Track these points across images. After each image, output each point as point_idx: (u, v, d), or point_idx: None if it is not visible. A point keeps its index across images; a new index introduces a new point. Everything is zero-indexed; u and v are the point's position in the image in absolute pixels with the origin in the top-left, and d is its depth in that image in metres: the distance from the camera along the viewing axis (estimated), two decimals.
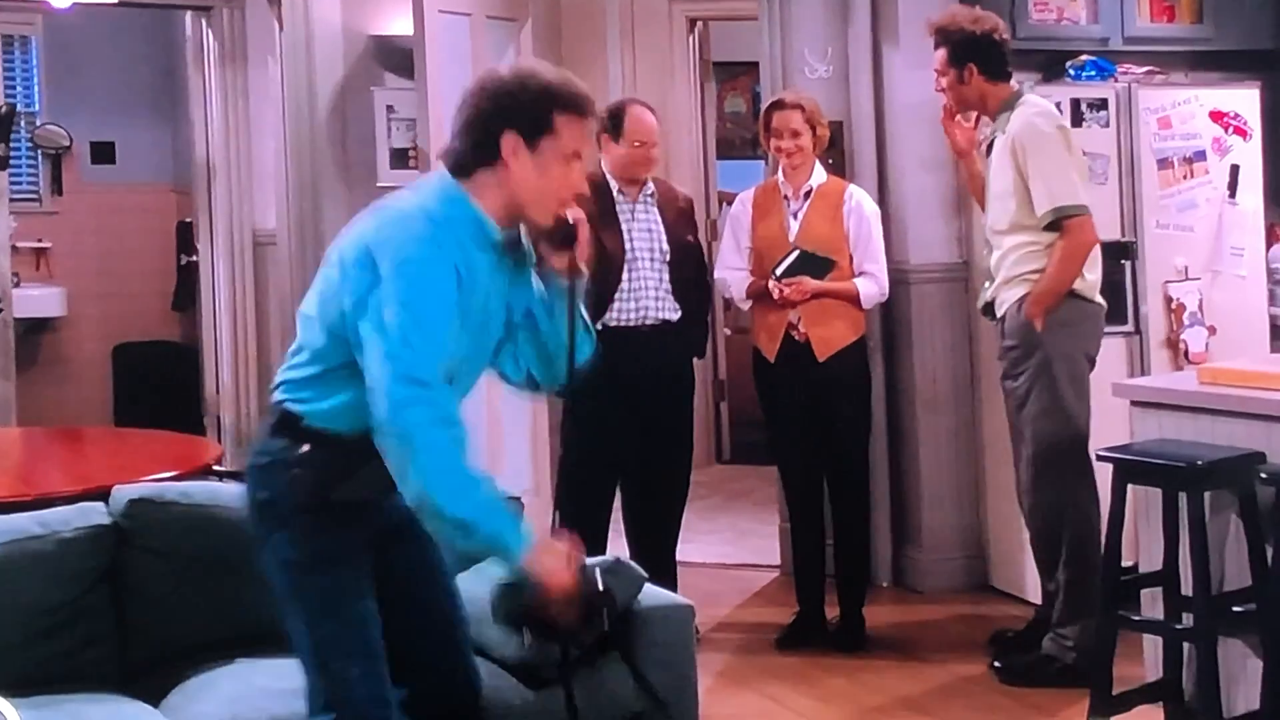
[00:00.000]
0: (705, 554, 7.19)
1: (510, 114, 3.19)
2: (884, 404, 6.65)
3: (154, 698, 3.83)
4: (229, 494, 4.12)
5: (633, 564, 4.04)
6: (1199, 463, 4.39)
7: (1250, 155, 6.40)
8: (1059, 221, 5.28)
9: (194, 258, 9.13)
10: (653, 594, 4.10)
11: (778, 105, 5.93)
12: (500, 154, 3.19)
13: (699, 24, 9.20)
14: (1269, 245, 6.56)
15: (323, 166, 7.13)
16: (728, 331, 9.59)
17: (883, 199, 6.59)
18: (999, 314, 5.47)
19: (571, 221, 3.25)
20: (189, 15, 8.71)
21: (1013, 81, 5.53)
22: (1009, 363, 5.48)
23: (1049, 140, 5.34)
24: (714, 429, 9.40)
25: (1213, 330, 6.32)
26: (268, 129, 8.19)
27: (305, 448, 3.24)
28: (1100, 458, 4.69)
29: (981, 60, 5.46)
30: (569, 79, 3.26)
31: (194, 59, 8.69)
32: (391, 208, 3.24)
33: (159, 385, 9.65)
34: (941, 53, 5.51)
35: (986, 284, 5.58)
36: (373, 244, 3.15)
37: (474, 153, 3.22)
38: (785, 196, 5.93)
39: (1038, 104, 5.45)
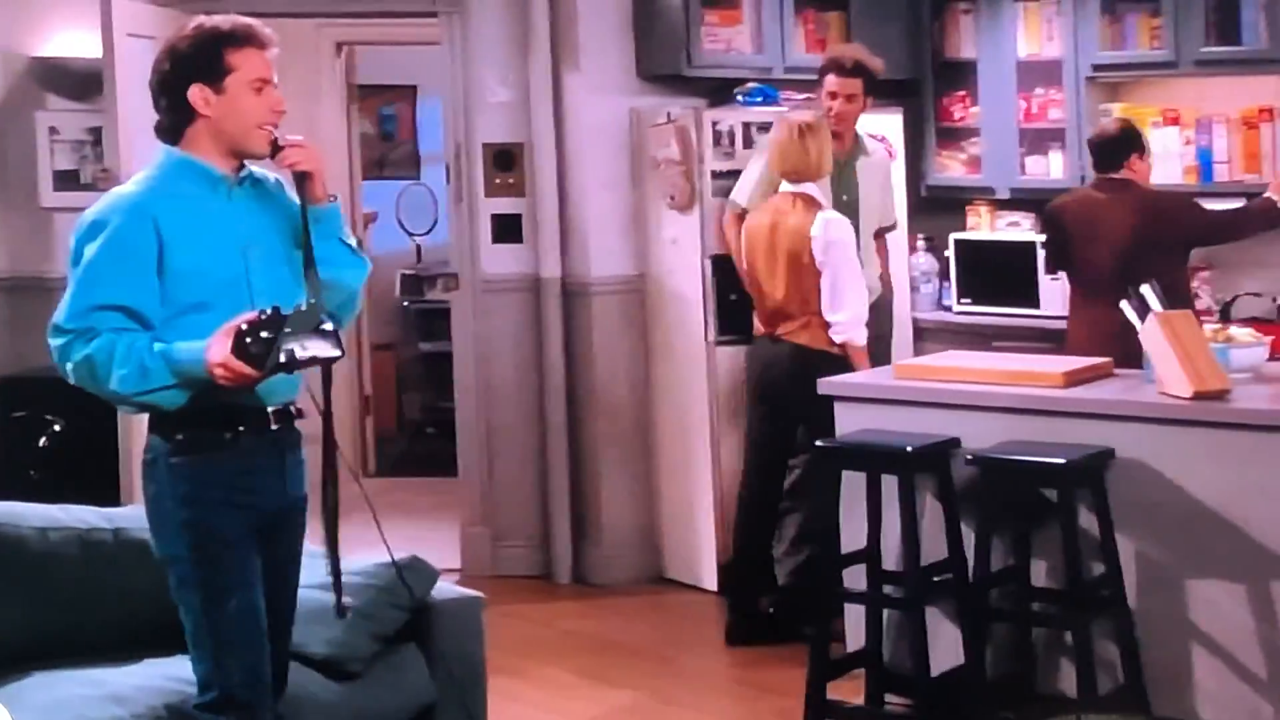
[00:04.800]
0: None
1: (188, 69, 3.47)
2: (565, 410, 7.02)
3: None
4: (20, 511, 4.15)
5: (426, 561, 4.27)
6: (908, 449, 4.92)
7: (895, 174, 6.99)
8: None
9: None
10: (445, 589, 4.36)
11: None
12: (195, 109, 3.48)
13: (345, 48, 9.35)
14: (910, 254, 7.21)
15: None
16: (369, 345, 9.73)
17: (564, 217, 6.97)
18: None
19: (281, 143, 3.50)
20: None
21: None
22: None
23: None
24: (360, 444, 9.54)
25: None
26: None
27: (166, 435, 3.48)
28: (818, 448, 5.16)
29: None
30: (236, 17, 3.53)
31: None
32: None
33: None
34: (859, 81, 6.21)
35: None
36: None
37: (172, 116, 3.51)
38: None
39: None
